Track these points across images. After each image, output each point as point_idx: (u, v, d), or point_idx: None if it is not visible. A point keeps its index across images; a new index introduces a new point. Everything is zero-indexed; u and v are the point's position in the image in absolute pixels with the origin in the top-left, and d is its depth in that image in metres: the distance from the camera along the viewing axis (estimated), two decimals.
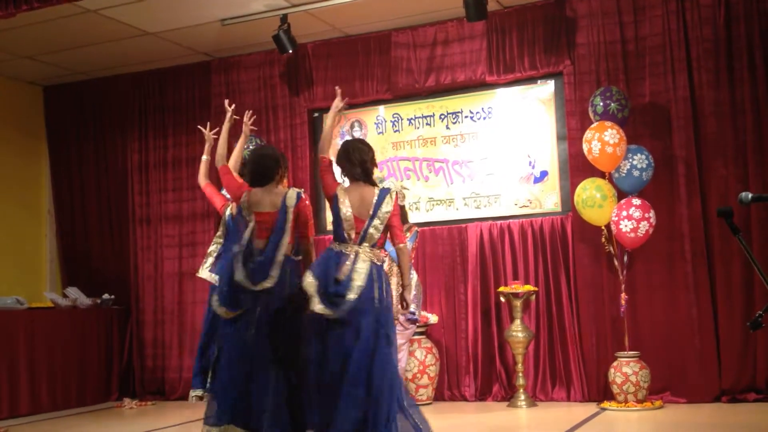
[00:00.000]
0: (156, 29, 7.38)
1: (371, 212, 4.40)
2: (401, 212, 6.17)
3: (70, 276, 8.74)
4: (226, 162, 5.03)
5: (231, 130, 5.36)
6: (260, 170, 4.74)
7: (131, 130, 8.56)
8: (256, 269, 4.52)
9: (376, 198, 4.44)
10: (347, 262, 4.32)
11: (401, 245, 4.49)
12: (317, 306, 4.25)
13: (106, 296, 8.25)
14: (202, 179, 6.16)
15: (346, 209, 4.40)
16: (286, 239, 4.57)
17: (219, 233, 6.07)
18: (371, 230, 4.39)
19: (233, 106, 5.47)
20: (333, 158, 4.63)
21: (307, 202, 4.71)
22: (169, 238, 8.28)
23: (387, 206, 4.43)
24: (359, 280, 4.27)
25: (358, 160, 4.50)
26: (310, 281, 4.31)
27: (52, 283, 8.77)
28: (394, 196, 4.47)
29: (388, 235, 4.51)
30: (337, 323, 4.25)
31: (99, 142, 8.76)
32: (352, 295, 4.23)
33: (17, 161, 8.67)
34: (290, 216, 4.60)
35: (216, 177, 6.20)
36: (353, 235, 4.40)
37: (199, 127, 6.22)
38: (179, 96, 8.40)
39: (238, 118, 5.51)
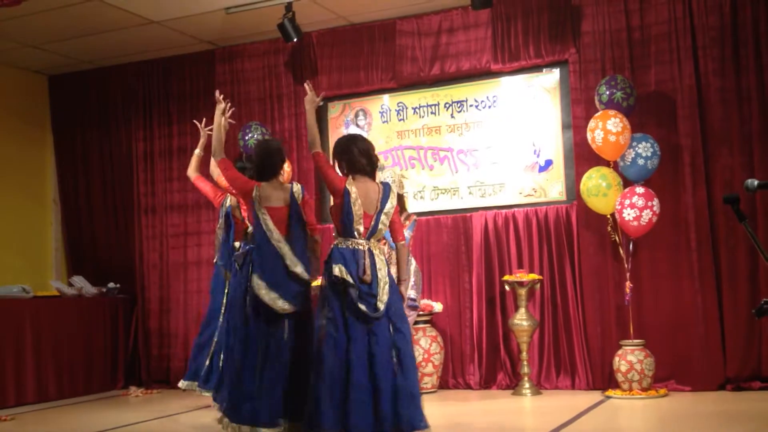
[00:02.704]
0: (160, 18, 7.37)
1: (378, 207, 4.44)
2: (400, 201, 6.21)
3: (75, 265, 8.77)
4: (224, 155, 4.96)
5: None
6: (269, 164, 4.78)
7: (136, 119, 8.56)
8: (302, 261, 4.63)
9: (381, 193, 4.49)
10: (366, 260, 4.37)
11: (402, 242, 4.58)
12: (360, 305, 4.29)
13: (111, 285, 8.28)
14: (192, 173, 6.17)
15: (357, 204, 4.41)
16: (305, 230, 4.73)
17: (220, 224, 6.10)
18: (380, 226, 4.46)
19: (222, 95, 5.38)
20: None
21: (309, 196, 4.91)
22: (175, 227, 8.30)
23: (392, 201, 4.51)
24: (385, 293, 4.34)
25: (365, 155, 4.49)
26: (344, 271, 4.32)
27: (57, 272, 8.80)
28: (396, 192, 4.57)
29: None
30: (361, 321, 4.30)
31: (104, 131, 8.77)
32: (381, 306, 4.32)
33: (22, 150, 8.68)
34: (300, 209, 4.73)
35: (206, 172, 6.24)
36: (362, 230, 4.43)
37: (194, 121, 6.23)
38: (184, 85, 8.40)
39: (233, 108, 5.50)
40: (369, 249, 4.40)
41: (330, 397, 4.20)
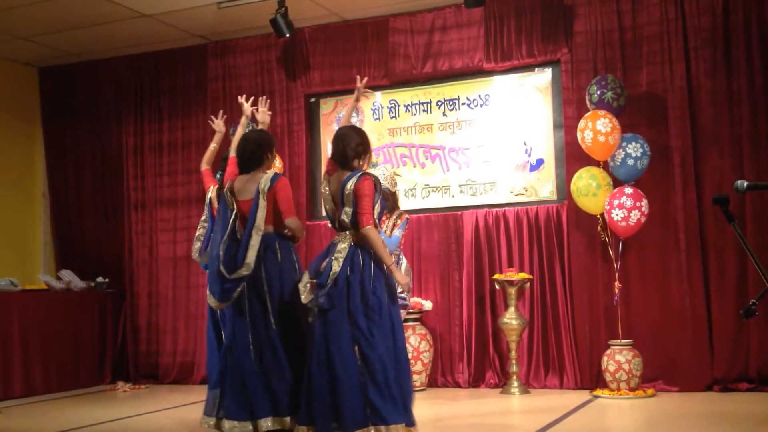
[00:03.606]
0: (152, 11, 7.34)
1: (340, 198, 4.37)
2: (392, 198, 6.20)
3: (64, 259, 8.73)
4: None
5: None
6: (243, 155, 4.70)
7: (127, 113, 8.52)
8: (231, 258, 4.52)
9: (343, 181, 4.36)
10: (331, 250, 4.36)
11: (365, 227, 4.27)
12: (303, 296, 4.32)
13: (100, 279, 8.25)
14: (204, 164, 6.17)
15: (326, 198, 4.44)
16: (260, 225, 4.54)
17: (204, 217, 6.09)
18: (342, 216, 4.37)
19: (244, 97, 5.47)
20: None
21: (284, 183, 4.64)
22: (164, 223, 8.27)
23: (350, 186, 4.30)
24: (336, 266, 4.28)
25: (339, 146, 4.43)
26: (303, 276, 4.40)
27: (46, 266, 8.76)
28: (360, 177, 4.31)
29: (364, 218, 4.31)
30: (324, 312, 4.27)
31: (94, 124, 8.73)
32: (329, 282, 4.26)
33: (11, 143, 8.63)
34: (262, 202, 4.55)
35: (217, 167, 6.24)
36: (336, 223, 4.43)
37: (211, 117, 6.23)
38: (175, 79, 8.37)
39: (254, 109, 5.39)
40: (338, 240, 4.38)
41: (304, 387, 4.31)
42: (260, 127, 5.12)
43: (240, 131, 5.31)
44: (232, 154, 5.13)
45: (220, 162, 6.09)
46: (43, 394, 7.32)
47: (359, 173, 4.35)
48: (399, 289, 4.61)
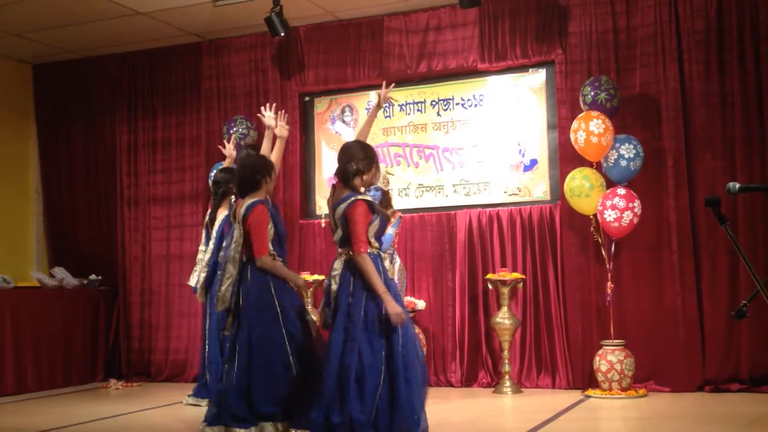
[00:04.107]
0: (147, 9, 7.33)
1: (334, 218, 4.34)
2: (384, 198, 6.20)
3: (57, 256, 8.71)
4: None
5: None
6: (240, 181, 4.67)
7: (120, 111, 8.51)
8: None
9: (339, 201, 4.30)
10: (331, 267, 4.38)
11: (358, 255, 4.16)
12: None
13: (93, 277, 8.23)
14: None
15: (329, 215, 4.42)
16: (235, 257, 4.52)
17: (203, 243, 6.17)
18: (336, 237, 4.35)
19: (268, 106, 5.05)
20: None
21: (262, 211, 4.48)
22: (157, 220, 8.26)
23: (340, 210, 4.25)
24: (334, 285, 4.29)
25: (341, 163, 4.36)
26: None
27: (38, 263, 8.74)
28: (352, 204, 4.20)
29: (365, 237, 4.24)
30: (331, 326, 4.29)
31: (88, 121, 8.71)
32: (331, 302, 4.29)
33: (5, 140, 8.61)
34: (237, 232, 4.53)
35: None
36: (335, 240, 4.39)
37: (224, 143, 6.24)
38: (169, 77, 8.35)
39: (284, 126, 4.99)
40: (336, 258, 4.37)
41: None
42: (278, 141, 4.94)
43: (266, 145, 4.97)
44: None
45: (214, 184, 6.15)
46: (35, 392, 7.31)
47: (352, 198, 4.23)
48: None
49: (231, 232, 4.65)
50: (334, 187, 4.48)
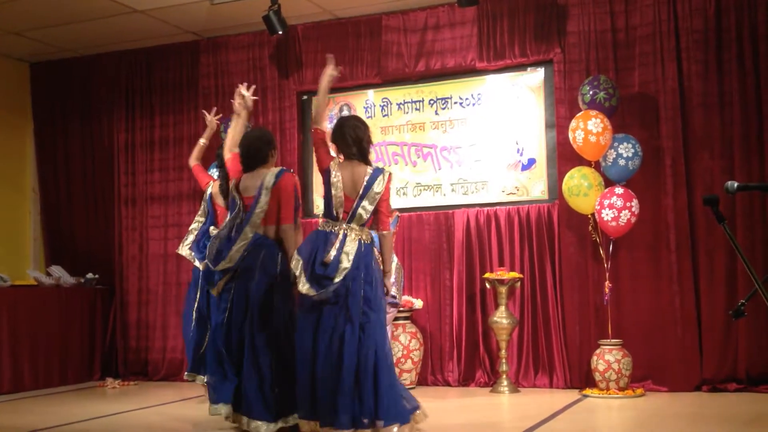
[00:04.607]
0: (144, 7, 7.31)
1: (361, 192, 4.33)
2: None
3: (53, 254, 8.69)
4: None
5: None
6: (249, 153, 4.71)
7: (118, 109, 8.49)
8: (219, 250, 4.55)
9: (368, 177, 4.35)
10: (335, 243, 4.27)
11: (385, 232, 4.41)
12: (303, 286, 4.23)
13: (89, 275, 8.22)
14: (192, 161, 6.16)
15: (336, 186, 4.35)
16: (257, 222, 4.54)
17: (200, 212, 6.09)
18: (360, 210, 4.32)
19: (244, 86, 5.25)
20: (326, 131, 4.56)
21: (291, 179, 4.62)
22: (155, 219, 8.25)
23: (378, 186, 4.34)
24: (345, 262, 4.23)
25: (353, 138, 4.40)
26: (296, 262, 4.30)
27: (35, 261, 8.72)
28: (386, 177, 4.36)
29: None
30: (324, 303, 4.24)
31: (85, 120, 8.69)
32: (338, 278, 4.21)
33: (2, 138, 8.59)
34: (264, 198, 4.54)
35: (210, 160, 6.24)
36: (341, 214, 4.35)
37: (203, 111, 6.21)
38: (167, 76, 8.34)
39: (256, 98, 5.26)
40: (345, 233, 4.31)
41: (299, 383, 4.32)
42: (243, 113, 5.07)
43: (239, 124, 5.12)
44: (227, 151, 5.10)
45: (215, 157, 6.08)
46: (31, 390, 7.29)
47: (386, 173, 4.38)
48: (393, 291, 4.67)
49: (235, 203, 4.66)
50: (338, 159, 4.45)
